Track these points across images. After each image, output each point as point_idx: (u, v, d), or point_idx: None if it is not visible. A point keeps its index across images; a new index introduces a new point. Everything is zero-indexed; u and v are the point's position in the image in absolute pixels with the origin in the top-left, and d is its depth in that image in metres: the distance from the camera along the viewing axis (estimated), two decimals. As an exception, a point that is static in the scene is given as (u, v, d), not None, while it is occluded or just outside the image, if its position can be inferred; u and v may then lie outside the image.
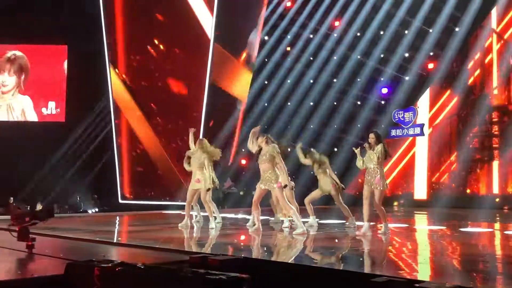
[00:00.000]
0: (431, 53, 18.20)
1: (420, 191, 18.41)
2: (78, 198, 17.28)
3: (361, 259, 5.92)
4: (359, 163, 7.78)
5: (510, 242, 8.16)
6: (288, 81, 18.79)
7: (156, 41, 17.22)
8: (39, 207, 15.52)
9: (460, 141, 17.74)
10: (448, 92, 18.14)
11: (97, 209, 16.40)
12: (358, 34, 18.33)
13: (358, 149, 7.85)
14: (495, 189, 16.82)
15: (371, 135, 7.66)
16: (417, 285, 3.74)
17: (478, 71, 17.53)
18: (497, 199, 16.19)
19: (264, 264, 5.29)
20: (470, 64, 17.50)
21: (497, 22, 17.06)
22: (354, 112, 18.44)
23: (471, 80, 17.70)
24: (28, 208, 5.93)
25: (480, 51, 17.28)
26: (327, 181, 8.94)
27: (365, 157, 7.69)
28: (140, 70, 17.47)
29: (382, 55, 18.50)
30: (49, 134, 16.87)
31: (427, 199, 18.05)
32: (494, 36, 17.15)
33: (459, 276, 4.81)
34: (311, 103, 18.88)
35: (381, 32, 18.35)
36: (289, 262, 5.61)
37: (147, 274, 3.60)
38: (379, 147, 7.52)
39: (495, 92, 17.19)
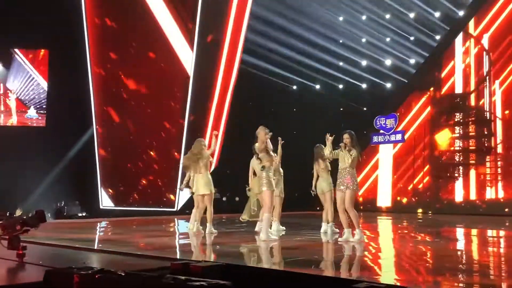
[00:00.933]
0: (412, 61, 18.52)
1: (384, 199, 18.74)
2: (59, 204, 17.05)
3: (344, 265, 5.94)
4: (327, 151, 7.59)
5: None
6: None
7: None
8: (18, 212, 15.26)
9: (432, 148, 18.06)
10: (424, 98, 18.46)
11: (78, 215, 16.19)
12: (341, 41, 18.52)
13: (332, 137, 7.58)
14: (472, 195, 17.10)
15: (346, 136, 7.46)
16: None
17: (453, 78, 17.85)
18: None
19: (246, 270, 5.28)
20: (445, 71, 17.85)
21: (474, 27, 17.44)
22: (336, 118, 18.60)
23: (447, 86, 18.02)
24: (8, 214, 5.72)
25: (456, 57, 17.66)
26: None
27: (339, 156, 7.49)
28: (119, 75, 17.32)
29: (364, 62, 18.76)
30: (30, 139, 16.66)
31: (391, 206, 18.53)
32: (472, 41, 17.50)
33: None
34: (294, 110, 18.99)
35: (363, 40, 18.61)
36: (270, 268, 5.61)
37: (127, 281, 3.57)
38: (355, 153, 7.37)
39: (472, 96, 17.54)
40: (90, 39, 17.21)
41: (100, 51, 17.25)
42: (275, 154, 8.39)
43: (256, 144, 7.79)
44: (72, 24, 16.69)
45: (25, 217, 5.52)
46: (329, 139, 7.55)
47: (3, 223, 5.44)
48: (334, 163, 8.17)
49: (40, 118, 17.86)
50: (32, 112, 17.92)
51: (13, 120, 17.99)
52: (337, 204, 7.52)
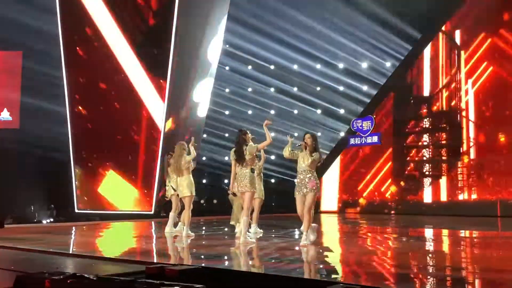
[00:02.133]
0: (388, 64, 18.75)
1: (331, 202, 19.06)
2: (32, 208, 16.74)
3: (320, 266, 5.95)
4: (286, 151, 7.38)
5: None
6: (249, 89, 18.92)
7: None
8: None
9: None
10: (392, 100, 18.80)
11: (52, 219, 15.91)
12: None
13: (292, 138, 7.45)
14: (443, 197, 17.43)
15: (308, 136, 7.32)
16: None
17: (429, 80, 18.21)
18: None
19: (223, 273, 5.24)
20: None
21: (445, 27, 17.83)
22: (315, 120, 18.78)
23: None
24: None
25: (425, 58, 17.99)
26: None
27: (299, 157, 7.32)
28: (96, 76, 17.09)
29: (341, 65, 18.92)
30: (2, 142, 16.36)
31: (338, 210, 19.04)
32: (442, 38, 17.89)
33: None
34: (272, 112, 19.08)
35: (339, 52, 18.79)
36: (246, 270, 5.58)
37: (99, 286, 3.51)
38: (317, 155, 7.25)
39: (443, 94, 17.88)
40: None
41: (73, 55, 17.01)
42: (257, 159, 8.41)
43: (248, 148, 7.70)
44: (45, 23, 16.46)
45: None
46: (290, 139, 7.46)
47: None
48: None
49: (12, 119, 17.54)
50: (5, 115, 17.58)
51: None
52: (298, 208, 7.30)
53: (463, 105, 17.32)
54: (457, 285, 4.77)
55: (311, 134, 7.40)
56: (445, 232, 10.91)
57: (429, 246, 8.26)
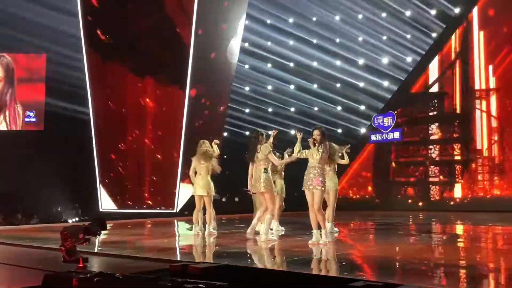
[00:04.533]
0: (409, 59, 18.54)
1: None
2: (59, 208, 17.05)
3: (341, 264, 5.96)
4: (296, 149, 7.24)
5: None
6: (269, 87, 18.94)
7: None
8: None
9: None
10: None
11: (77, 219, 16.18)
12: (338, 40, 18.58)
13: (301, 134, 7.25)
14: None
15: (316, 132, 7.14)
16: (394, 289, 3.79)
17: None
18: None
19: (246, 271, 5.30)
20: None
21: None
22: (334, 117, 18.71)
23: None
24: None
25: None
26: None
27: (308, 154, 7.15)
28: (119, 80, 17.32)
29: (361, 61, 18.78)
30: (28, 143, 16.66)
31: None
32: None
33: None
34: (292, 109, 19.08)
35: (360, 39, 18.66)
36: (269, 268, 5.63)
37: (125, 284, 3.60)
38: (323, 148, 7.06)
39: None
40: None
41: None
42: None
43: (262, 147, 7.78)
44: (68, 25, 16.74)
45: (87, 225, 4.68)
46: (299, 136, 7.28)
47: (67, 230, 4.65)
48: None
49: (36, 121, 17.87)
50: (30, 116, 17.91)
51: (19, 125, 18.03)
52: (309, 204, 7.18)
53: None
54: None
55: (319, 130, 7.24)
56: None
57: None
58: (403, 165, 18.42)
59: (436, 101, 17.98)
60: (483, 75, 16.95)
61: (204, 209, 9.15)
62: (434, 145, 17.67)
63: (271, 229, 8.32)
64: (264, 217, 7.86)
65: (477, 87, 17.10)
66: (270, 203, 7.80)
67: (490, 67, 16.75)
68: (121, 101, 17.30)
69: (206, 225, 8.95)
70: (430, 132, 17.72)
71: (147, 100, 17.14)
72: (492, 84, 16.82)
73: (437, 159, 17.67)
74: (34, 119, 17.85)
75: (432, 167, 17.60)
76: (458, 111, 17.48)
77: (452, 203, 16.95)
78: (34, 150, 16.46)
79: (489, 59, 16.81)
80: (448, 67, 17.80)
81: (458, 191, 17.07)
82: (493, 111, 16.78)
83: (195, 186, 9.04)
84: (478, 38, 17.06)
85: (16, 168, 16.22)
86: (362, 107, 18.85)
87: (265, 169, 7.80)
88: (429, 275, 5.09)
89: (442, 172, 17.39)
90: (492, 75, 16.80)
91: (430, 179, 17.70)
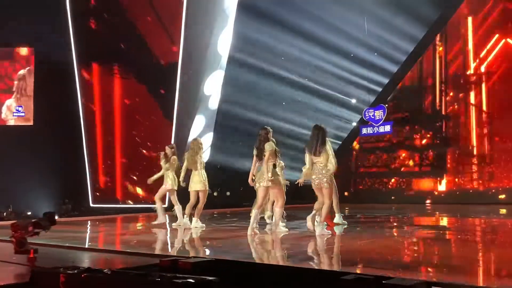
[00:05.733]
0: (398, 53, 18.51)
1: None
2: (51, 205, 16.95)
3: (333, 257, 5.95)
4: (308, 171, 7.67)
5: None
6: (260, 81, 18.84)
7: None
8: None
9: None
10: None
11: (67, 214, 16.08)
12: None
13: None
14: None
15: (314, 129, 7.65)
16: (385, 281, 3.78)
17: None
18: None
19: (236, 265, 5.27)
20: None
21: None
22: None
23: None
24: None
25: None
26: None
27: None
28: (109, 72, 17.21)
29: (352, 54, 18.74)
30: (17, 138, 16.55)
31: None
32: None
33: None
34: (283, 103, 19.02)
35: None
36: (259, 262, 5.60)
37: (113, 279, 3.55)
38: (268, 146, 7.73)
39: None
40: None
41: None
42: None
43: (266, 145, 7.92)
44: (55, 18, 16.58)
45: (36, 219, 5.13)
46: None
47: (17, 223, 5.09)
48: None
49: (26, 115, 17.73)
50: (18, 111, 17.77)
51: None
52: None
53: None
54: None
55: (317, 126, 7.62)
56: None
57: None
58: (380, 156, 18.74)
59: (424, 93, 18.12)
60: (472, 65, 17.05)
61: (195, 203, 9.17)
62: (420, 136, 17.88)
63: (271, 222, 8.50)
64: (277, 211, 8.06)
65: (465, 77, 17.21)
66: (280, 197, 8.00)
67: (481, 56, 16.84)
68: (111, 95, 17.20)
69: (193, 219, 8.99)
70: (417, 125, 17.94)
71: (137, 95, 17.03)
72: (482, 72, 16.91)
73: (423, 150, 17.87)
74: (23, 114, 17.70)
75: (416, 157, 17.77)
76: (445, 103, 17.61)
77: (429, 196, 17.22)
78: (23, 145, 16.34)
79: (478, 47, 16.87)
80: (438, 58, 17.87)
81: (443, 184, 17.28)
82: (484, 103, 16.87)
83: (191, 181, 9.06)
84: (467, 25, 17.17)
85: (4, 163, 16.10)
86: (353, 101, 18.86)
87: (274, 164, 7.99)
88: (417, 268, 5.09)
89: (427, 163, 17.58)
90: (481, 65, 16.89)
91: (413, 170, 17.95)
